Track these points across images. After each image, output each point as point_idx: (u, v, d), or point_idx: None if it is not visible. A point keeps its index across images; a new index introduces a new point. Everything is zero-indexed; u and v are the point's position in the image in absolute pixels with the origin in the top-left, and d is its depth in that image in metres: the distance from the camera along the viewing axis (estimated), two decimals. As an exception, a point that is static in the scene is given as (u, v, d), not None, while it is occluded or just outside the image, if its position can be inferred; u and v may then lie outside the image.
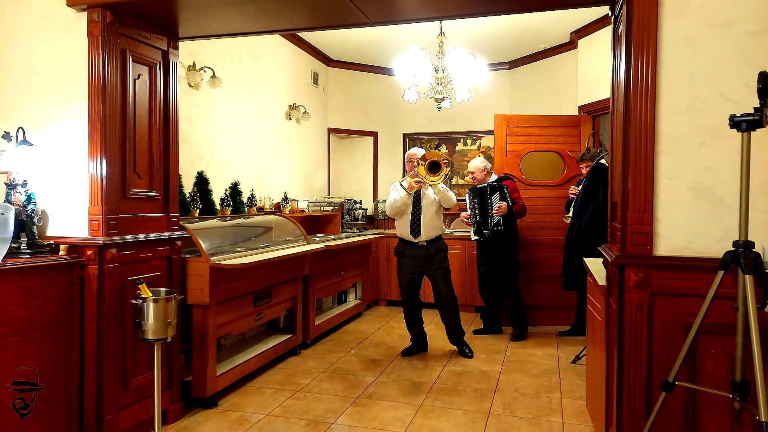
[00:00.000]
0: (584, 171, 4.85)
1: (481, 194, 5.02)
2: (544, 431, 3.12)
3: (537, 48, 6.47)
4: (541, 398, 3.62)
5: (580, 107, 5.85)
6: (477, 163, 5.23)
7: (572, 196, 4.86)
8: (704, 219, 2.18)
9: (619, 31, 2.46)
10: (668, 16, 2.18)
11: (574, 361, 4.38)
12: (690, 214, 2.19)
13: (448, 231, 6.43)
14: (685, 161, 2.19)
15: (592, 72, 5.61)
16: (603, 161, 4.36)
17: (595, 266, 3.01)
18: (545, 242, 5.52)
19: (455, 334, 4.63)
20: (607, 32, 5.21)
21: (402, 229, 4.55)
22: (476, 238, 5.09)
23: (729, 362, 2.09)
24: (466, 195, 5.22)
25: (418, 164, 4.16)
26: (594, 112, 5.62)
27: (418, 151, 4.58)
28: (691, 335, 1.99)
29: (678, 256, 2.20)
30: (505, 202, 4.92)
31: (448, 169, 4.12)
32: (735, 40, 2.13)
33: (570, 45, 6.13)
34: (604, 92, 5.21)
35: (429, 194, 4.48)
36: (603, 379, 2.66)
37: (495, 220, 4.93)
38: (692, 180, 2.18)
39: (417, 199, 4.47)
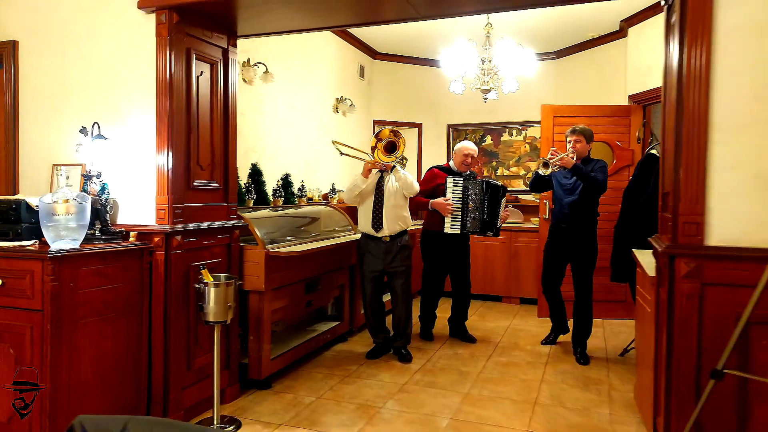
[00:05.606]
0: (572, 145, 4.37)
1: (493, 192, 4.54)
2: (592, 422, 3.14)
3: (585, 37, 6.37)
4: (589, 390, 3.63)
5: (629, 96, 5.74)
6: (473, 147, 4.74)
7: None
8: (764, 209, 2.16)
9: (672, 20, 2.44)
10: (726, 4, 2.17)
11: (622, 354, 4.36)
12: (748, 204, 2.18)
13: (516, 223, 6.40)
14: (744, 150, 2.17)
15: (643, 60, 5.50)
16: (654, 151, 4.29)
17: (645, 257, 3.00)
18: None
19: (402, 335, 4.27)
20: (658, 20, 5.09)
21: (363, 222, 4.22)
22: (455, 231, 4.53)
23: (784, 353, 2.08)
24: (454, 183, 4.55)
25: (375, 145, 3.91)
26: (644, 101, 5.51)
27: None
28: (740, 324, 1.99)
29: (732, 246, 2.19)
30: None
31: (404, 146, 3.90)
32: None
33: (619, 33, 6.01)
34: (654, 81, 5.10)
35: (392, 183, 4.16)
36: (651, 370, 2.66)
37: (499, 224, 4.60)
38: (750, 170, 2.17)
39: (380, 188, 4.15)
